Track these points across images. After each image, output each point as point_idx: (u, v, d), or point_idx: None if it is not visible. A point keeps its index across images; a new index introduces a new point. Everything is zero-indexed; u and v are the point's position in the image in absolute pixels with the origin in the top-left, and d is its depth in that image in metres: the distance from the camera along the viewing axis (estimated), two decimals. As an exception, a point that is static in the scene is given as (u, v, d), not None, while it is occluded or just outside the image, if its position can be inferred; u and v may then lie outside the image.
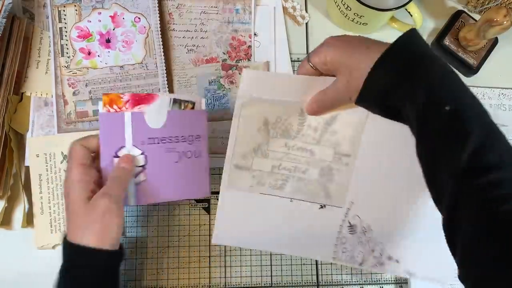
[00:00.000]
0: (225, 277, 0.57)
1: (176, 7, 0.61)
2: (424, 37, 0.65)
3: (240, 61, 0.61)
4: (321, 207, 0.53)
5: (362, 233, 0.54)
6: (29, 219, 0.56)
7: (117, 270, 0.47)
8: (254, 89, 0.48)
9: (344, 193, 0.53)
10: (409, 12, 0.58)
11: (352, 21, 0.61)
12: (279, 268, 0.58)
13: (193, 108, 0.50)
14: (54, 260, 0.55)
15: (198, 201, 0.59)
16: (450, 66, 0.39)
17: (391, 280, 0.59)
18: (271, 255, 0.58)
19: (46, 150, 0.57)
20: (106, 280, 0.45)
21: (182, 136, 0.49)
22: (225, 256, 0.58)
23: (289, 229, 0.54)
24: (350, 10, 0.58)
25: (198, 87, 0.60)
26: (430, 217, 0.53)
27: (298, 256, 0.57)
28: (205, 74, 0.61)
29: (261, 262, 0.58)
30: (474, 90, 0.63)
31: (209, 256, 0.58)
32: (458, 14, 0.64)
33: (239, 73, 0.61)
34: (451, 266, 0.51)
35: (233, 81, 0.61)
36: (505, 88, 0.65)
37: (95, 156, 0.47)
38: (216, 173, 0.59)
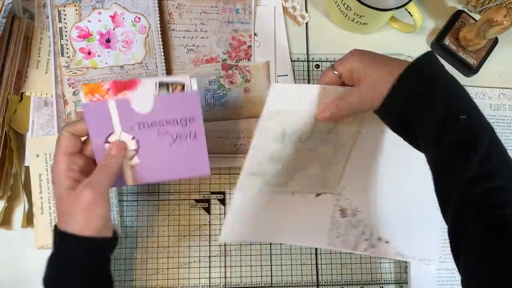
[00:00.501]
0: (225, 277, 0.57)
1: (176, 7, 0.61)
2: (424, 37, 0.66)
3: (240, 61, 0.61)
4: (317, 195, 0.55)
5: (353, 216, 0.56)
6: (29, 219, 0.56)
7: (105, 257, 0.47)
8: (279, 102, 0.49)
9: (338, 180, 0.55)
10: (409, 12, 0.58)
11: (352, 21, 0.61)
12: (279, 268, 0.58)
13: (183, 89, 0.48)
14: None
15: (198, 201, 0.59)
16: (460, 83, 0.44)
17: (391, 280, 0.59)
18: (271, 255, 0.58)
19: (46, 150, 0.57)
20: (93, 267, 0.45)
21: (174, 119, 0.48)
22: (225, 256, 0.58)
23: (287, 219, 0.55)
24: (350, 10, 0.58)
25: (198, 87, 0.60)
26: (416, 198, 0.55)
27: (296, 244, 0.57)
28: (205, 74, 0.61)
29: (261, 262, 0.58)
30: (474, 90, 0.64)
31: (209, 256, 0.58)
32: (458, 14, 0.64)
33: (239, 73, 0.61)
34: (436, 248, 0.52)
35: (233, 81, 0.61)
36: (505, 88, 0.65)
37: (86, 141, 0.47)
38: (216, 173, 0.59)
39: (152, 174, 0.49)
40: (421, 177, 0.50)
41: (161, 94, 0.47)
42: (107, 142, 0.47)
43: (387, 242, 0.56)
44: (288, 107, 0.50)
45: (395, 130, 0.47)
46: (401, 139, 0.47)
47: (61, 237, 0.44)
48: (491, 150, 0.40)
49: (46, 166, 0.56)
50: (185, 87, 0.48)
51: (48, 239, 0.55)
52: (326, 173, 0.55)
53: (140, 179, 0.49)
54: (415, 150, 0.47)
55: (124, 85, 0.46)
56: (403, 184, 0.56)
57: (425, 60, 0.44)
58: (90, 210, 0.43)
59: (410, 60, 0.64)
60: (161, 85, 0.47)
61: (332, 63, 0.50)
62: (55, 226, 0.45)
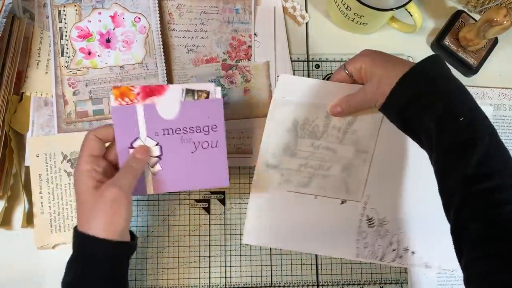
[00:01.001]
0: (225, 277, 0.57)
1: (176, 7, 0.61)
2: (424, 37, 0.66)
3: (240, 61, 0.61)
4: (342, 202, 0.57)
5: (380, 226, 0.57)
6: (29, 219, 0.56)
7: (124, 262, 0.46)
8: (287, 92, 0.53)
9: (362, 187, 0.56)
10: (409, 12, 0.58)
11: (352, 21, 0.61)
12: (279, 268, 0.58)
13: (207, 97, 0.48)
14: (54, 260, 0.55)
15: (198, 201, 0.59)
16: (464, 86, 0.45)
17: (391, 280, 0.59)
18: (271, 255, 0.58)
19: (46, 150, 0.57)
20: (112, 271, 0.45)
21: (197, 127, 0.49)
22: (225, 256, 0.58)
23: (313, 226, 0.56)
24: (350, 10, 0.58)
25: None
26: (441, 206, 0.54)
27: (325, 255, 0.58)
28: (205, 74, 0.61)
29: (261, 262, 0.58)
30: (474, 90, 0.64)
31: (209, 256, 0.58)
32: (458, 14, 0.64)
33: (239, 73, 0.61)
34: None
35: (233, 81, 0.61)
36: (505, 88, 0.65)
37: (110, 146, 0.48)
38: (216, 173, 0.59)
39: (173, 183, 0.49)
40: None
41: (186, 100, 0.48)
42: (131, 147, 0.47)
43: (413, 252, 0.57)
44: (296, 98, 0.53)
45: (399, 128, 0.49)
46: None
47: (82, 239, 0.44)
48: (491, 150, 0.41)
49: (46, 166, 0.56)
50: (210, 95, 0.49)
51: (48, 239, 0.55)
52: (348, 178, 0.56)
53: (161, 188, 0.49)
54: None
55: (152, 90, 0.47)
56: (428, 192, 0.56)
57: (429, 62, 0.46)
58: (114, 210, 0.43)
59: (411, 60, 0.64)
60: (188, 91, 0.48)
61: (343, 62, 0.53)
62: (75, 229, 0.45)
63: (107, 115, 0.58)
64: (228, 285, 0.57)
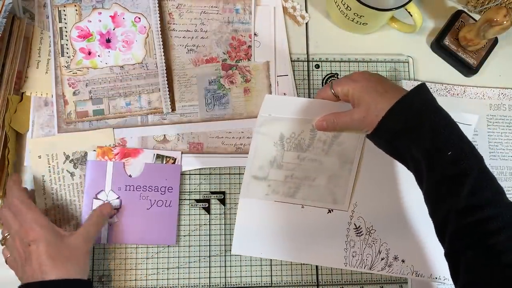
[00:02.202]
0: (225, 277, 0.57)
1: (176, 7, 0.61)
2: (424, 37, 0.66)
3: (240, 61, 0.61)
4: (329, 211, 0.58)
5: (368, 234, 0.58)
6: None
7: None
8: (273, 110, 0.54)
9: (348, 197, 0.57)
10: (409, 12, 0.58)
11: (352, 21, 0.61)
12: (279, 268, 0.58)
13: (174, 162, 0.57)
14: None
15: (198, 201, 0.59)
16: (451, 116, 0.46)
17: (391, 280, 0.59)
18: (271, 255, 0.58)
19: (48, 151, 0.57)
20: None
21: (155, 186, 0.56)
22: (225, 256, 0.58)
23: (301, 235, 0.57)
24: (350, 10, 0.58)
25: (198, 87, 0.60)
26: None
27: (314, 264, 0.58)
28: (205, 74, 0.61)
29: (261, 262, 0.58)
30: (474, 90, 0.64)
31: (209, 256, 0.58)
32: (458, 14, 0.64)
33: (239, 73, 0.61)
34: None
35: (233, 81, 0.61)
36: (505, 88, 0.65)
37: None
38: (216, 173, 0.59)
39: (126, 236, 0.55)
40: None
41: (150, 163, 0.56)
42: (96, 197, 0.55)
43: (403, 261, 0.57)
44: (281, 114, 0.54)
45: (386, 153, 0.50)
46: None
47: (37, 285, 0.46)
48: (481, 181, 0.43)
49: (49, 167, 0.56)
50: (176, 161, 0.57)
51: None
52: (334, 188, 0.57)
53: (115, 239, 0.55)
54: None
55: (129, 152, 0.56)
56: (416, 201, 0.57)
57: (416, 94, 0.46)
58: (86, 256, 0.49)
59: (411, 59, 0.64)
60: (158, 156, 0.57)
61: (331, 80, 0.54)
62: (28, 284, 0.47)
63: (107, 115, 0.58)
64: (228, 285, 0.57)
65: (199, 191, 0.59)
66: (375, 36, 0.66)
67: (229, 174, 0.60)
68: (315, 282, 0.58)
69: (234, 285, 0.57)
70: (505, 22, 0.55)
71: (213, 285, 0.57)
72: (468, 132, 0.57)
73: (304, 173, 0.56)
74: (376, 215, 0.57)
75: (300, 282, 0.58)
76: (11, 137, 0.56)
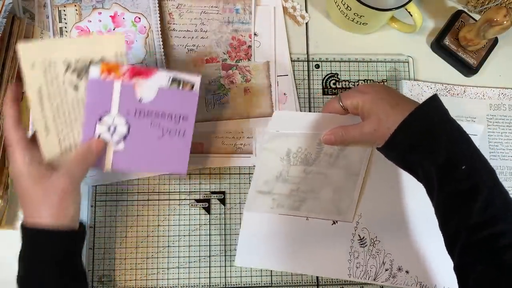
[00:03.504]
0: (225, 277, 0.57)
1: (176, 7, 0.61)
2: (424, 37, 0.66)
3: (240, 61, 0.61)
4: (333, 223, 0.57)
5: (372, 245, 0.57)
6: (8, 220, 0.56)
7: (76, 249, 0.47)
8: (281, 126, 0.53)
9: (353, 208, 0.57)
10: (409, 12, 0.58)
11: (352, 21, 0.61)
12: (279, 268, 0.58)
13: (191, 89, 0.50)
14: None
15: (198, 201, 0.59)
16: (462, 128, 0.45)
17: None
18: (271, 255, 0.58)
19: (44, 57, 0.46)
20: (66, 260, 0.45)
21: (169, 114, 0.49)
22: (225, 256, 0.58)
23: (305, 246, 0.57)
24: (350, 10, 0.58)
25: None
26: (434, 227, 0.55)
27: (318, 275, 0.58)
28: (205, 74, 0.61)
29: (261, 262, 0.58)
30: (474, 90, 0.64)
31: (209, 256, 0.58)
32: (458, 14, 0.64)
33: (239, 73, 0.61)
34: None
35: (233, 81, 0.61)
36: (505, 88, 0.65)
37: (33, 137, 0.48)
38: (216, 173, 0.59)
39: (132, 164, 0.50)
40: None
41: (165, 87, 0.49)
42: (100, 120, 0.48)
43: (407, 272, 0.57)
44: (289, 131, 0.53)
45: (397, 165, 0.49)
46: None
47: (31, 233, 0.44)
48: (493, 196, 0.42)
49: (46, 78, 0.47)
50: (194, 87, 0.50)
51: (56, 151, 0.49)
52: (340, 200, 0.56)
53: (119, 166, 0.50)
54: None
55: (140, 71, 0.48)
56: (421, 213, 0.57)
57: (428, 106, 0.46)
58: (65, 199, 0.44)
59: (411, 59, 0.64)
60: (174, 80, 0.49)
61: (339, 93, 0.52)
62: (22, 225, 0.45)
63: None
64: (228, 285, 0.57)
65: (199, 191, 0.59)
66: (375, 36, 0.66)
67: (229, 174, 0.60)
68: (315, 282, 0.58)
69: (234, 285, 0.57)
70: (505, 22, 0.55)
71: (213, 285, 0.57)
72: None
73: (309, 186, 0.56)
74: (381, 226, 0.57)
75: (300, 282, 0.58)
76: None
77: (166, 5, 0.61)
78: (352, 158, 0.55)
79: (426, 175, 0.45)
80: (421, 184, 0.47)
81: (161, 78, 0.48)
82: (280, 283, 0.58)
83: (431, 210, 0.48)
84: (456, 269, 0.44)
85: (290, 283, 0.58)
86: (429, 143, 0.44)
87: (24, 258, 0.45)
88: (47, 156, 0.48)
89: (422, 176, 0.46)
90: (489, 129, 0.63)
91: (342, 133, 0.50)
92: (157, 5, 0.59)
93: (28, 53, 0.46)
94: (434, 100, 0.46)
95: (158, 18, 0.59)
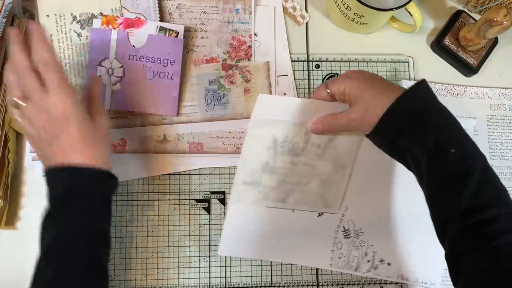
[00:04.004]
0: (225, 277, 0.57)
1: (176, 7, 0.61)
2: (424, 37, 0.66)
3: (240, 61, 0.61)
4: (319, 215, 0.57)
5: (356, 237, 0.57)
6: (8, 220, 0.55)
7: (113, 190, 0.47)
8: (267, 111, 0.52)
9: (339, 200, 0.57)
10: (409, 12, 0.58)
11: (352, 21, 0.61)
12: (279, 268, 0.58)
13: (177, 36, 0.58)
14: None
15: (198, 201, 0.59)
16: (452, 114, 0.45)
17: (391, 281, 0.59)
18: (271, 255, 0.58)
19: (56, 11, 0.58)
20: (105, 202, 0.46)
21: (158, 58, 0.57)
22: (225, 256, 0.58)
23: (289, 237, 0.56)
24: (350, 10, 0.58)
25: (198, 87, 0.60)
26: (419, 221, 0.56)
27: (298, 264, 0.58)
28: (205, 74, 0.61)
29: (261, 262, 0.58)
30: (474, 90, 0.64)
31: (209, 256, 0.58)
32: (458, 14, 0.64)
33: (239, 73, 0.61)
34: (439, 271, 0.53)
35: (233, 81, 0.61)
36: (505, 88, 0.65)
37: None
38: (216, 173, 0.59)
39: (129, 103, 0.57)
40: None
41: (154, 34, 0.57)
42: (100, 65, 0.57)
43: (389, 264, 0.57)
44: (275, 116, 0.52)
45: (386, 153, 0.48)
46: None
47: (74, 173, 0.43)
48: (483, 182, 0.42)
49: (57, 26, 0.58)
50: (179, 35, 0.58)
51: None
52: (327, 192, 0.56)
53: (118, 105, 0.57)
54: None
55: (133, 23, 0.57)
56: (407, 206, 0.57)
57: (417, 91, 0.45)
58: (107, 139, 0.47)
59: (411, 59, 0.64)
60: (161, 28, 0.57)
61: (326, 80, 0.51)
62: (52, 168, 0.44)
63: (107, 115, 0.58)
64: (228, 285, 0.57)
65: (199, 191, 0.59)
66: (375, 36, 0.66)
67: (229, 174, 0.60)
68: (315, 282, 0.58)
69: (234, 285, 0.57)
70: (505, 22, 0.55)
71: (213, 285, 0.57)
72: None
73: (296, 177, 0.55)
74: (366, 218, 0.57)
75: (300, 282, 0.58)
76: (11, 137, 0.56)
77: (166, 5, 0.61)
78: (340, 150, 0.54)
79: (415, 161, 0.45)
80: (408, 179, 0.47)
81: (151, 27, 0.57)
82: (280, 283, 0.58)
83: (417, 205, 0.48)
84: (448, 257, 0.43)
85: (290, 283, 0.58)
86: (417, 128, 0.44)
87: (59, 199, 0.43)
88: None
89: (411, 163, 0.45)
90: (489, 129, 0.63)
91: (330, 121, 0.50)
92: (157, 5, 0.59)
93: (44, 4, 0.58)
94: (422, 85, 0.45)
95: (158, 18, 0.59)
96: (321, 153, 0.54)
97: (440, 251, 0.50)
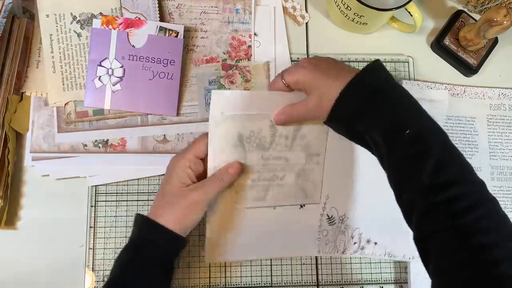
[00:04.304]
0: (225, 277, 0.57)
1: (176, 7, 0.61)
2: (424, 37, 0.66)
3: (240, 61, 0.61)
4: (301, 206, 0.56)
5: (341, 222, 0.58)
6: (8, 220, 0.56)
7: (177, 254, 0.50)
8: (225, 107, 0.51)
9: (319, 189, 0.56)
10: (409, 12, 0.58)
11: (352, 21, 0.61)
12: (279, 268, 0.58)
13: (177, 36, 0.57)
14: (54, 259, 0.55)
15: (198, 201, 0.59)
16: (409, 92, 0.44)
17: (391, 280, 0.59)
18: (271, 255, 0.58)
19: (56, 11, 0.58)
20: (168, 259, 0.48)
21: (158, 58, 0.57)
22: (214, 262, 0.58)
23: (273, 234, 0.56)
24: (350, 10, 0.58)
25: (198, 87, 0.60)
26: None
27: (285, 257, 0.58)
28: (205, 74, 0.61)
29: (261, 262, 0.58)
30: (474, 90, 0.64)
31: (209, 256, 0.58)
32: (458, 14, 0.64)
33: (239, 73, 0.61)
34: None
35: (233, 81, 0.61)
36: (505, 88, 0.65)
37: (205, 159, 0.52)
38: (216, 173, 0.59)
39: (128, 103, 0.57)
40: None
41: (154, 34, 0.57)
42: (100, 65, 0.56)
43: (376, 243, 0.57)
44: (234, 112, 0.51)
45: (347, 137, 0.48)
46: None
47: (150, 226, 0.47)
48: (444, 159, 0.41)
49: (56, 26, 0.58)
50: (179, 35, 0.58)
51: (60, 97, 0.57)
52: (305, 183, 0.56)
53: (117, 105, 0.57)
54: None
55: (133, 23, 0.57)
56: (385, 185, 0.57)
57: (370, 72, 0.44)
58: (191, 210, 0.48)
59: (411, 59, 0.64)
60: (161, 29, 0.57)
61: (282, 70, 0.51)
62: (144, 216, 0.48)
63: (107, 115, 0.58)
64: (228, 285, 0.57)
65: (199, 191, 0.59)
66: (375, 36, 0.66)
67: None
68: (315, 282, 0.58)
69: (234, 285, 0.57)
70: (505, 22, 0.55)
71: (213, 285, 0.57)
72: (441, 110, 0.57)
73: (270, 173, 0.54)
74: (348, 203, 0.57)
75: (300, 282, 0.58)
76: (11, 137, 0.56)
77: (166, 5, 0.61)
78: (309, 138, 0.54)
79: (375, 144, 0.44)
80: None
81: (150, 27, 0.57)
82: (280, 283, 0.58)
83: None
84: (416, 240, 0.42)
85: (290, 283, 0.58)
86: (371, 109, 0.43)
87: (133, 245, 0.48)
88: (52, 94, 0.57)
89: (372, 146, 0.45)
90: (489, 129, 0.63)
91: (290, 111, 0.50)
92: (157, 5, 0.59)
93: (44, 4, 0.57)
94: (374, 66, 0.45)
95: (158, 18, 0.59)
96: (290, 144, 0.54)
97: None
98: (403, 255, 0.58)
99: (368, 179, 0.57)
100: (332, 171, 0.56)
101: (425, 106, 0.48)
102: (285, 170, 0.55)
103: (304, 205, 0.56)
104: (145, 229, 0.48)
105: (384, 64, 0.63)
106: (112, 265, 0.55)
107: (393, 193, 0.44)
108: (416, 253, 0.55)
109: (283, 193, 0.55)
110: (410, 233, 0.43)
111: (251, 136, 0.52)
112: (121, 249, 0.56)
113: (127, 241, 0.49)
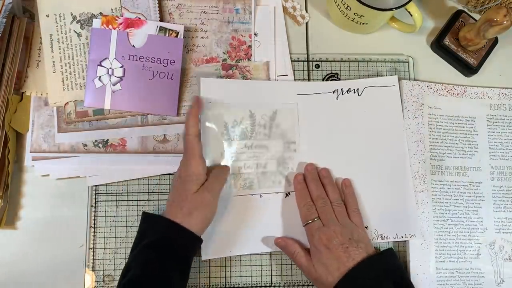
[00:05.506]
0: (225, 277, 0.57)
1: (176, 7, 0.61)
2: (424, 37, 0.66)
3: (240, 61, 0.61)
4: (287, 195, 0.58)
5: None
6: (8, 220, 0.56)
7: (193, 252, 0.52)
8: (213, 93, 0.57)
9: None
10: (409, 12, 0.58)
11: (352, 21, 0.61)
12: (279, 268, 0.58)
13: (177, 36, 0.58)
14: (54, 259, 0.55)
15: (198, 201, 0.59)
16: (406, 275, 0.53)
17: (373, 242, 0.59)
18: (271, 254, 0.58)
19: (56, 11, 0.58)
20: (185, 257, 0.50)
21: (158, 58, 0.57)
22: (224, 256, 0.58)
23: (264, 225, 0.57)
24: (350, 10, 0.58)
25: (198, 87, 0.60)
26: (382, 177, 0.59)
27: (278, 250, 0.58)
28: (205, 74, 0.61)
29: (261, 262, 0.58)
30: (474, 90, 0.64)
31: (209, 256, 0.58)
32: (458, 14, 0.64)
33: (239, 73, 0.61)
34: (415, 220, 0.57)
35: (233, 81, 0.61)
36: (505, 88, 0.65)
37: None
38: (216, 173, 0.59)
39: (128, 103, 0.57)
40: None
41: (154, 34, 0.57)
42: (100, 65, 0.57)
43: (366, 227, 0.58)
44: (221, 99, 0.57)
45: None
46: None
47: (168, 225, 0.49)
48: None
49: (56, 26, 0.58)
50: (179, 35, 0.58)
51: (60, 96, 0.57)
52: (285, 170, 0.58)
53: (117, 105, 0.57)
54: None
55: (133, 23, 0.57)
56: (365, 165, 0.59)
57: (363, 267, 0.50)
58: (204, 210, 0.51)
59: (411, 59, 0.64)
60: (161, 29, 0.58)
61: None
62: (161, 216, 0.50)
63: (107, 115, 0.58)
64: (228, 285, 0.57)
65: (199, 191, 0.59)
66: (375, 36, 0.66)
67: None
68: (315, 282, 0.58)
69: (234, 285, 0.57)
70: (505, 22, 0.55)
71: (213, 285, 0.57)
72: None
73: (254, 161, 0.57)
74: None
75: (300, 282, 0.58)
76: (11, 137, 0.56)
77: (166, 5, 0.61)
78: (284, 126, 0.59)
79: None
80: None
81: (151, 27, 0.57)
82: (280, 283, 0.58)
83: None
84: None
85: (290, 283, 0.58)
86: None
87: (151, 244, 0.49)
88: (52, 93, 0.57)
89: None
90: (489, 129, 0.63)
91: (295, 252, 0.54)
92: (157, 5, 0.59)
93: (44, 4, 0.58)
94: (372, 259, 0.50)
95: (158, 18, 0.59)
96: (268, 133, 0.58)
97: (411, 202, 0.53)
98: (395, 235, 0.57)
99: (350, 163, 0.59)
100: (311, 157, 0.58)
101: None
102: (267, 158, 0.58)
103: (289, 193, 0.58)
104: (173, 232, 0.49)
105: (385, 64, 0.63)
106: (112, 264, 0.55)
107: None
108: (409, 232, 0.57)
109: (267, 181, 0.58)
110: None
111: (234, 124, 0.58)
112: (120, 248, 0.56)
113: (147, 241, 0.49)
